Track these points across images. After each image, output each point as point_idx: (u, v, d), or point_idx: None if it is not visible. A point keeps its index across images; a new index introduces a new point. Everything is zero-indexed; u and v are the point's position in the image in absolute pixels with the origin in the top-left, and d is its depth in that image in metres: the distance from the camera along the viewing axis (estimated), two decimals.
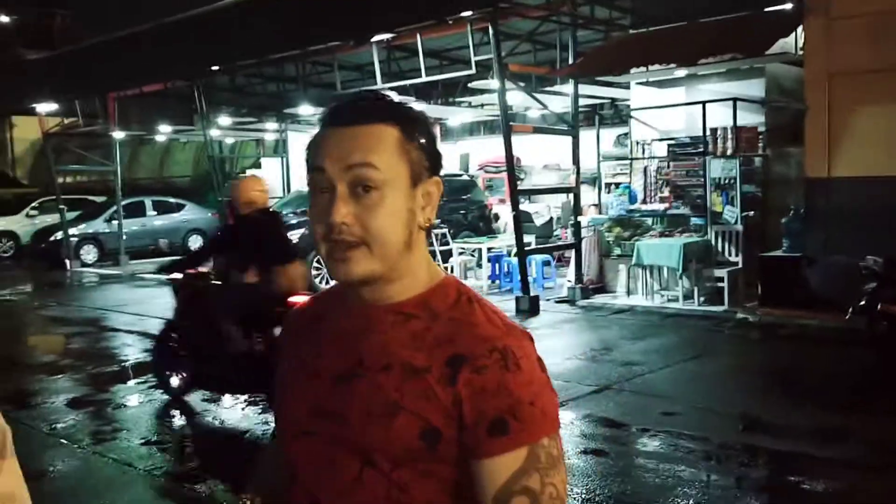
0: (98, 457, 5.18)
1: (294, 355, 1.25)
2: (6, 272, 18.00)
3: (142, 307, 11.70)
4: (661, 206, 10.57)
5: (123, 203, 18.75)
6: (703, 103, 9.98)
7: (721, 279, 9.60)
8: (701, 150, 10.09)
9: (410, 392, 1.09)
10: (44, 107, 18.37)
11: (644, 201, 11.01)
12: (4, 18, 34.95)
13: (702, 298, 9.69)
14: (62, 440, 5.53)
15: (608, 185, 13.38)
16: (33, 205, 22.35)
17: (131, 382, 7.27)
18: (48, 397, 6.73)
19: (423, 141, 1.15)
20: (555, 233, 14.24)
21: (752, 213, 10.10)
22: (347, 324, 1.18)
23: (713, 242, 9.88)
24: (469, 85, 14.23)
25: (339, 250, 1.11)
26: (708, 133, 9.95)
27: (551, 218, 14.89)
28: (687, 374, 6.91)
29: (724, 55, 9.68)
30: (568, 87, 11.46)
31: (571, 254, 11.20)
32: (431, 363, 1.10)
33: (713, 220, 9.87)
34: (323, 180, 1.12)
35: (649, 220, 10.81)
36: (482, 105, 17.59)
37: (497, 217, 15.33)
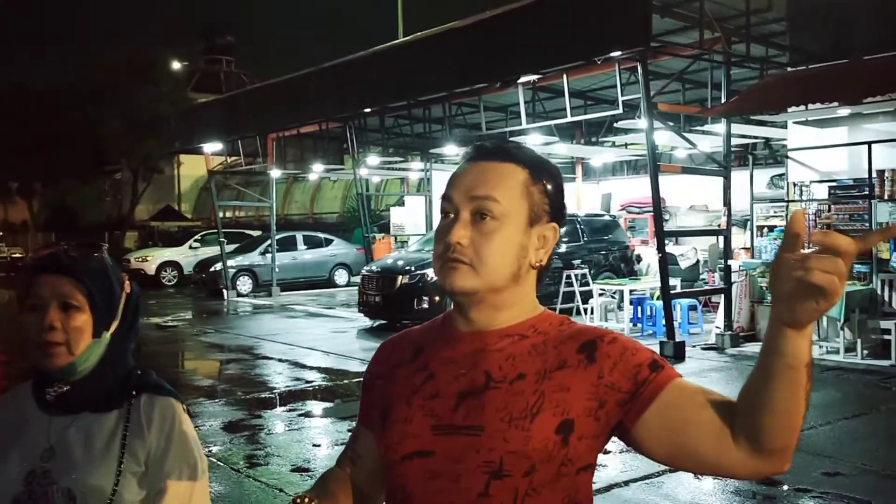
0: (252, 480, 5.41)
1: (396, 382, 1.31)
2: (169, 300, 19.32)
3: (292, 337, 12.22)
4: None
5: (277, 237, 19.71)
6: (869, 143, 9.42)
7: (888, 331, 8.92)
8: (866, 192, 9.51)
9: (549, 388, 1.18)
10: (209, 146, 19.73)
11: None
12: (177, 66, 38.10)
13: (865, 351, 9.04)
14: (219, 462, 5.82)
15: (760, 227, 12.80)
16: (196, 237, 24.01)
17: (281, 409, 7.59)
18: (206, 420, 7.12)
19: (548, 187, 1.27)
20: (701, 276, 13.74)
21: None
22: (459, 347, 1.26)
23: (879, 291, 9.23)
24: (615, 125, 14.11)
25: (451, 262, 1.22)
26: (874, 175, 9.37)
27: (698, 261, 14.37)
28: (850, 432, 6.44)
29: (893, 93, 9.10)
30: (718, 127, 11.12)
31: (720, 299, 10.75)
32: (564, 358, 1.21)
33: (879, 267, 9.23)
34: (449, 206, 1.25)
35: None
36: (626, 144, 17.38)
37: (639, 258, 14.96)
